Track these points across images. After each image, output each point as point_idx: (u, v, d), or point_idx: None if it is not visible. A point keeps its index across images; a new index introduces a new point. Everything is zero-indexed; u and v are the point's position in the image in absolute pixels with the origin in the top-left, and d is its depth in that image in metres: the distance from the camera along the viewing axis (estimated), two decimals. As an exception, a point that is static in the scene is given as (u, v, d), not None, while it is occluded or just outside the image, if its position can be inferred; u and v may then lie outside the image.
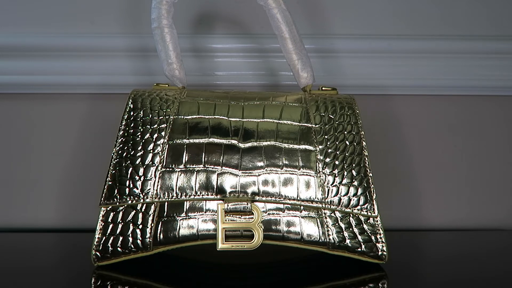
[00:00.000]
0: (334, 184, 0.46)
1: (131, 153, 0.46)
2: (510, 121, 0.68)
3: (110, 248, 0.45)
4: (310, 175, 0.46)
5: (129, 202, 0.45)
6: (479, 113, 0.68)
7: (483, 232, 0.65)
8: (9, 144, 0.66)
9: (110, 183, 0.46)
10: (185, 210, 0.46)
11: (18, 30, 0.64)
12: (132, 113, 0.48)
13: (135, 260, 0.46)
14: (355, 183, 0.46)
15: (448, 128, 0.68)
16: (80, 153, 0.66)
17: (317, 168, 0.46)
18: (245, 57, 0.65)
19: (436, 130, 0.68)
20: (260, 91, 0.55)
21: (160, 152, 0.46)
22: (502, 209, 0.68)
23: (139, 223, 0.45)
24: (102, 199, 0.45)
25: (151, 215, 0.45)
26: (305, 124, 0.48)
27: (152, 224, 0.45)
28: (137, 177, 0.46)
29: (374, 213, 0.46)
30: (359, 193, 0.46)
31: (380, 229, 0.46)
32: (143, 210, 0.45)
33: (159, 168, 0.46)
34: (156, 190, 0.45)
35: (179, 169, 0.46)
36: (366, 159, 0.47)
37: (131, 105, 0.49)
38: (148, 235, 0.45)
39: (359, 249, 0.46)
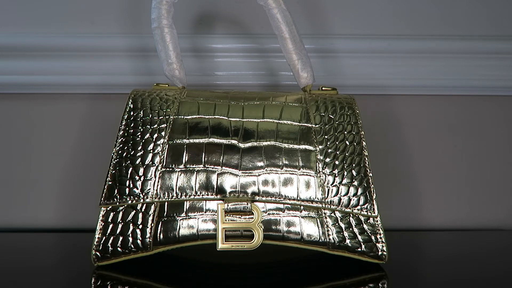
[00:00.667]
0: (334, 184, 0.46)
1: (131, 153, 0.46)
2: (510, 121, 0.68)
3: (110, 248, 0.45)
4: (310, 175, 0.46)
5: (129, 202, 0.45)
6: (479, 113, 0.68)
7: (483, 232, 0.65)
8: (9, 144, 0.66)
9: (110, 183, 0.46)
10: (185, 210, 0.46)
11: (18, 30, 0.64)
12: (132, 113, 0.48)
13: (135, 260, 0.46)
14: (355, 183, 0.46)
15: (448, 128, 0.68)
16: (80, 153, 0.66)
17: (317, 168, 0.46)
18: (245, 57, 0.65)
19: (436, 130, 0.68)
20: (260, 91, 0.55)
21: (160, 152, 0.46)
22: (502, 209, 0.68)
23: (139, 223, 0.45)
24: (102, 199, 0.45)
25: (151, 215, 0.45)
26: (305, 124, 0.48)
27: (152, 224, 0.45)
28: (137, 177, 0.46)
29: (374, 213, 0.46)
30: (359, 193, 0.46)
31: (380, 229, 0.46)
32: (143, 210, 0.45)
33: (159, 168, 0.46)
34: (156, 190, 0.45)
35: (179, 169, 0.46)
36: (366, 159, 0.47)
37: (131, 105, 0.49)
38: (148, 235, 0.45)
39: (359, 249, 0.46)
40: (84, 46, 0.63)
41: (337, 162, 0.47)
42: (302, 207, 0.46)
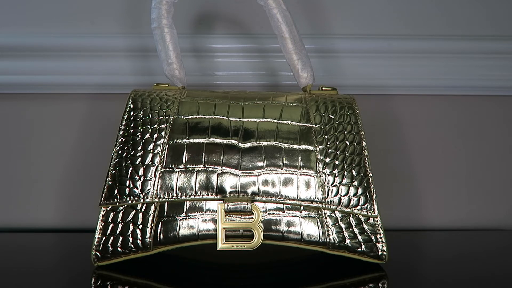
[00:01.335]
0: (334, 184, 0.46)
1: (131, 153, 0.46)
2: (510, 121, 0.68)
3: (110, 248, 0.45)
4: (310, 175, 0.46)
5: (129, 202, 0.45)
6: (479, 113, 0.68)
7: (483, 232, 0.65)
8: (9, 144, 0.66)
9: (110, 183, 0.46)
10: (185, 210, 0.46)
11: (18, 30, 0.64)
12: (132, 113, 0.48)
13: (135, 260, 0.46)
14: (355, 183, 0.46)
15: (448, 128, 0.68)
16: (80, 153, 0.66)
17: (317, 168, 0.46)
18: (245, 57, 0.65)
19: (436, 130, 0.68)
20: (260, 91, 0.55)
21: (160, 152, 0.46)
22: (502, 209, 0.68)
23: (139, 223, 0.45)
24: (102, 199, 0.45)
25: (151, 215, 0.45)
26: (305, 124, 0.48)
27: (152, 224, 0.45)
28: (137, 177, 0.46)
29: (374, 213, 0.46)
30: (359, 193, 0.46)
31: (380, 229, 0.46)
32: (143, 210, 0.45)
33: (159, 168, 0.46)
34: (156, 190, 0.45)
35: (179, 169, 0.46)
36: (366, 159, 0.47)
37: (131, 105, 0.49)
38: (148, 235, 0.45)
39: (359, 249, 0.46)
40: (84, 46, 0.63)
41: (337, 162, 0.47)
42: (302, 207, 0.46)
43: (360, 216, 0.46)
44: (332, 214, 0.46)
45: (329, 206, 0.46)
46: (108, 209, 0.46)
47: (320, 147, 0.47)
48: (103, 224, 0.45)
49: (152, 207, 0.46)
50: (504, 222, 0.68)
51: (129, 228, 0.45)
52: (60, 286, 0.45)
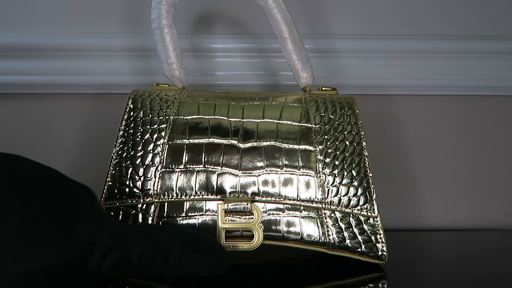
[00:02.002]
0: (334, 184, 0.46)
1: (131, 153, 0.46)
2: (510, 121, 0.68)
3: (110, 248, 0.45)
4: (310, 175, 0.46)
5: (129, 202, 0.45)
6: (479, 113, 0.68)
7: (483, 232, 0.65)
8: (9, 144, 0.66)
9: (110, 183, 0.46)
10: (185, 210, 0.46)
11: (18, 30, 0.64)
12: (132, 113, 0.48)
13: (135, 260, 0.46)
14: (355, 183, 0.46)
15: (448, 128, 0.68)
16: (80, 153, 0.66)
17: (317, 168, 0.46)
18: (245, 57, 0.65)
19: (436, 130, 0.68)
20: (260, 91, 0.55)
21: (160, 152, 0.46)
22: (502, 209, 0.68)
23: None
24: (102, 199, 0.45)
25: (151, 215, 0.45)
26: (305, 124, 0.48)
27: (152, 224, 0.45)
28: (137, 177, 0.46)
29: (374, 213, 0.46)
30: (359, 193, 0.46)
31: (380, 229, 0.46)
32: (143, 210, 0.45)
33: (159, 168, 0.46)
34: (156, 190, 0.45)
35: (179, 169, 0.46)
36: (366, 159, 0.47)
37: (131, 105, 0.49)
38: (148, 235, 0.45)
39: (359, 249, 0.46)
40: (84, 46, 0.63)
41: (337, 162, 0.47)
42: (302, 207, 0.46)
43: (360, 216, 0.46)
44: (332, 214, 0.46)
45: (329, 206, 0.46)
46: (108, 209, 0.46)
47: (320, 147, 0.47)
48: (103, 224, 0.45)
49: (152, 207, 0.46)
50: (503, 222, 0.68)
51: (129, 228, 0.45)
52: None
